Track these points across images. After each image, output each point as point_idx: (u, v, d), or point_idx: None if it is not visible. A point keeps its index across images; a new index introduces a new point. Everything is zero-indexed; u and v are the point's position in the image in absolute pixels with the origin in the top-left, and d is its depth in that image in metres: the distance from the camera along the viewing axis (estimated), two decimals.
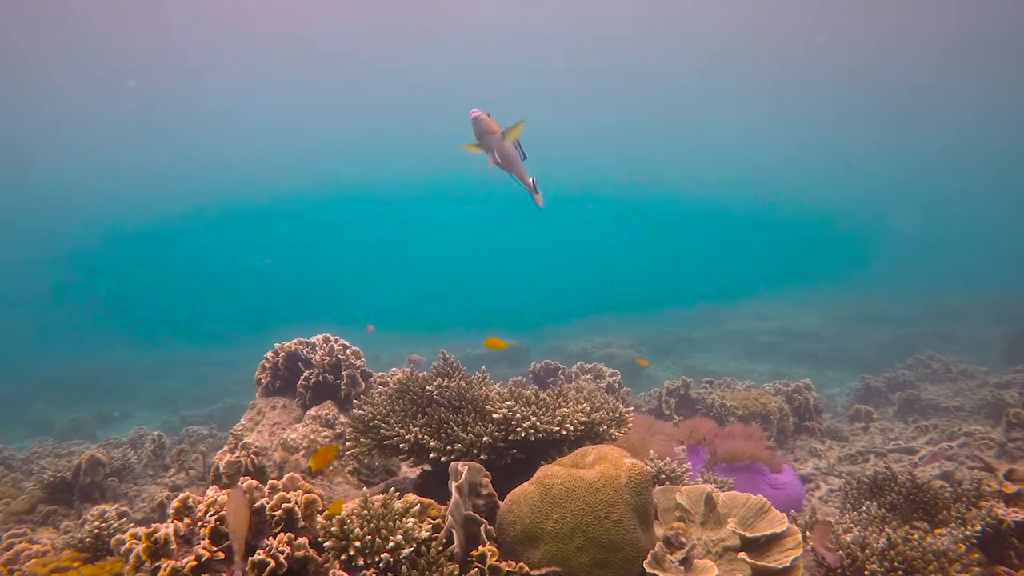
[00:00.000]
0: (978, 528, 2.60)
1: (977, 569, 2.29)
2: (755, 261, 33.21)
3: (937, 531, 2.67)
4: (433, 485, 2.77)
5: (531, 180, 3.13)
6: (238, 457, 2.98)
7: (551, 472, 2.17)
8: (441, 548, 1.85)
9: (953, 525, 2.71)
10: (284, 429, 3.17)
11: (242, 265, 33.36)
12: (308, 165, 36.33)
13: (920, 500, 2.89)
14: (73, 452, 5.61)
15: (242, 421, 3.31)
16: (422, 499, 2.14)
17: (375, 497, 1.98)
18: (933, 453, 5.00)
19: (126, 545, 1.88)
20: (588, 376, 5.23)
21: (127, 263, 34.13)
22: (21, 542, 3.08)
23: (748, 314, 19.21)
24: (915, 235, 36.45)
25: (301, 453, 3.03)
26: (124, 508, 3.51)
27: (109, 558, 2.43)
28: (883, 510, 2.87)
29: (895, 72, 24.80)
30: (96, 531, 2.48)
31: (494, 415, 2.55)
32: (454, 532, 1.96)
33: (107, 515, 2.55)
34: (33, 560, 2.40)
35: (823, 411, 5.99)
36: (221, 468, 2.97)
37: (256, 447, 3.06)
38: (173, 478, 4.13)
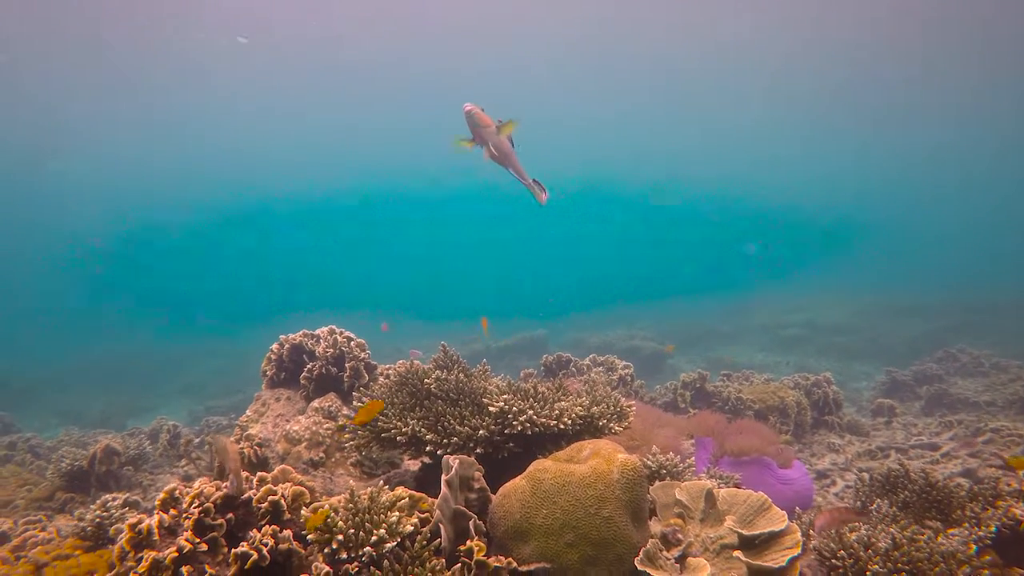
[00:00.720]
0: (993, 528, 2.51)
1: (987, 572, 2.20)
2: (780, 255, 32.72)
3: (950, 531, 2.59)
4: (433, 478, 2.75)
5: (530, 179, 3.04)
6: (242, 448, 3.01)
7: (542, 467, 2.14)
8: (425, 543, 1.83)
9: (967, 525, 2.61)
10: (287, 421, 3.19)
11: (269, 257, 33.89)
12: (339, 162, 36.74)
13: (933, 498, 2.79)
14: (97, 441, 5.73)
15: (247, 412, 3.34)
16: (413, 492, 2.13)
17: (364, 491, 1.97)
18: (965, 442, 4.85)
19: (121, 533, 1.89)
20: (600, 369, 5.18)
21: (158, 256, 34.89)
22: (34, 529, 3.15)
23: (774, 307, 18.91)
24: (948, 225, 35.55)
25: (303, 445, 3.04)
26: (136, 497, 3.57)
27: (110, 546, 2.47)
28: (894, 508, 2.79)
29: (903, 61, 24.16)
30: (98, 520, 2.52)
31: (491, 408, 2.53)
32: (441, 527, 1.94)
33: (109, 504, 2.59)
34: (39, 547, 2.45)
35: (843, 405, 5.85)
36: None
37: (260, 438, 3.08)
38: (185, 468, 4.20)
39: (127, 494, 3.57)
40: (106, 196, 34.77)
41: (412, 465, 3.14)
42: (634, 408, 2.84)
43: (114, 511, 2.57)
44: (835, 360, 12.72)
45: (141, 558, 1.66)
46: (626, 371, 5.18)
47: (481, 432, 2.49)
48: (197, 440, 5.21)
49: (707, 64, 26.87)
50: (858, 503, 3.06)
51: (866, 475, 3.20)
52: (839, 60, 25.24)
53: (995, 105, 27.74)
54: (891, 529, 2.28)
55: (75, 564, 2.21)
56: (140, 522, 1.72)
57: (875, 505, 2.86)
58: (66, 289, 29.12)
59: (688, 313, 18.82)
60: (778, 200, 38.95)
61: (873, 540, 2.24)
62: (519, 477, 2.18)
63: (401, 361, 3.27)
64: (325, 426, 3.11)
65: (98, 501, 2.61)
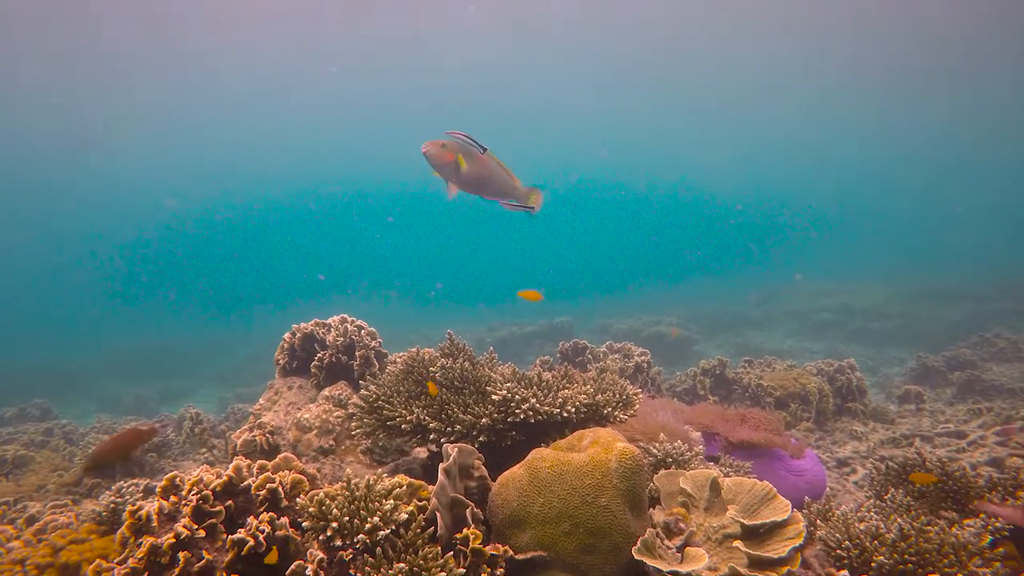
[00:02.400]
0: None
1: (998, 564, 2.14)
2: (819, 239, 32.14)
3: (966, 521, 2.52)
4: (439, 466, 2.78)
5: (520, 188, 2.79)
6: (254, 436, 3.06)
7: (540, 455, 2.14)
8: (420, 530, 1.85)
9: (984, 516, 2.54)
10: (299, 409, 3.24)
11: (303, 246, 34.40)
12: (371, 149, 37.06)
13: (950, 488, 2.72)
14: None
15: (260, 401, 3.40)
16: (412, 480, 2.14)
17: (361, 478, 1.99)
18: (1005, 428, 4.73)
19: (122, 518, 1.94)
20: (616, 356, 5.15)
21: (197, 247, 35.67)
22: (59, 513, 3.26)
23: (807, 291, 18.58)
24: (994, 206, 34.46)
25: (314, 432, 3.08)
26: (156, 484, 3.66)
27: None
28: (908, 498, 2.73)
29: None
30: (113, 505, 2.59)
31: (493, 396, 2.53)
32: (438, 514, 1.95)
33: (124, 490, 2.66)
34: (57, 531, 2.53)
35: (867, 392, 5.73)
36: (238, 446, 3.06)
37: (272, 426, 3.13)
38: (205, 456, 4.30)
39: (148, 480, 3.67)
40: (143, 190, 35.64)
41: (421, 452, 3.16)
42: (641, 396, 2.82)
43: (128, 497, 2.65)
44: (868, 346, 12.46)
45: (141, 543, 1.70)
46: (642, 358, 5.14)
47: (484, 420, 2.49)
48: (221, 427, 5.33)
49: (724, 48, 26.36)
50: (872, 492, 3.00)
51: (882, 464, 3.13)
52: (864, 33, 24.55)
53: None
54: (899, 520, 2.23)
55: (89, 548, 2.28)
56: (139, 509, 1.76)
57: (889, 495, 2.80)
58: (108, 280, 29.97)
59: (718, 299, 18.59)
60: (808, 186, 38.23)
61: (881, 531, 2.20)
62: (517, 466, 2.18)
63: (408, 349, 3.28)
64: (335, 414, 3.15)
65: (113, 487, 2.69)
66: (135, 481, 3.26)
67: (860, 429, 5.06)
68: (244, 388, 12.07)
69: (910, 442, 4.73)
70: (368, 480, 1.95)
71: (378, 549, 1.76)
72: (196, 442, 4.54)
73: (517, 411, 2.48)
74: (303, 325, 3.53)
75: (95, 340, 19.75)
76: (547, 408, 2.51)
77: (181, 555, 1.66)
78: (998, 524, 2.46)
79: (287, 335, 3.55)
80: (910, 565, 2.05)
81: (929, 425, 5.26)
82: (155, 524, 1.76)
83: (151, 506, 1.79)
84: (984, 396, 6.70)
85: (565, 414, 2.52)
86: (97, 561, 1.69)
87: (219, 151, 35.82)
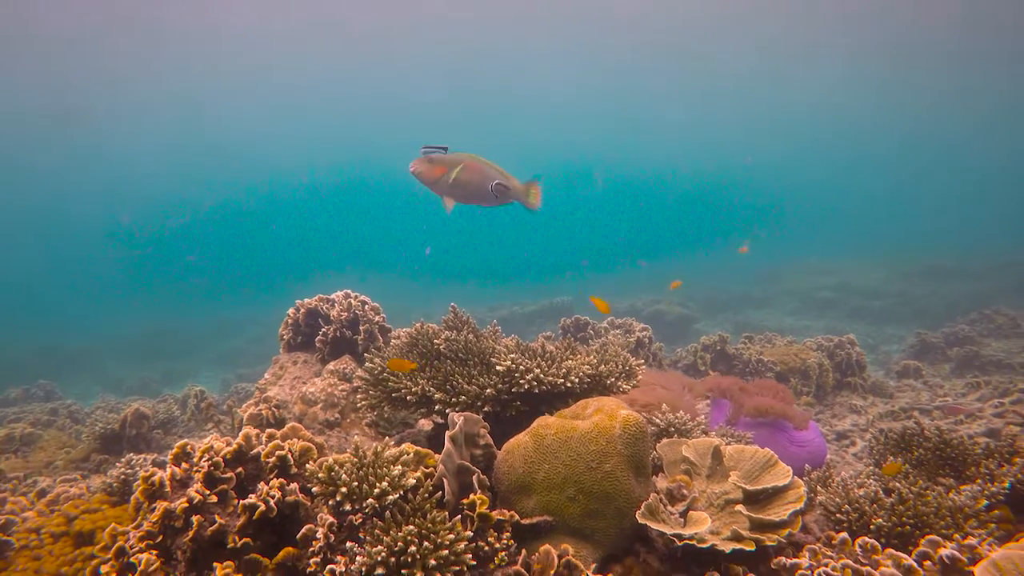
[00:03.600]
0: (1007, 484, 2.47)
1: (992, 525, 2.18)
2: (817, 218, 32.09)
3: (962, 487, 2.56)
4: (444, 436, 2.81)
5: (517, 185, 2.69)
6: (260, 410, 3.09)
7: (545, 423, 2.17)
8: (427, 495, 1.88)
9: (980, 481, 2.58)
10: (304, 383, 3.26)
11: (306, 228, 34.38)
12: (372, 129, 36.89)
13: (948, 456, 2.76)
14: (129, 407, 5.94)
15: (266, 376, 3.43)
16: (419, 449, 2.17)
17: (368, 446, 2.02)
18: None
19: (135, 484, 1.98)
20: (618, 331, 5.18)
21: (200, 229, 35.66)
22: (72, 486, 3.30)
23: (806, 270, 18.60)
24: (993, 183, 34.35)
25: (319, 406, 3.11)
26: (163, 458, 3.71)
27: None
28: (907, 466, 2.77)
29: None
30: (123, 476, 2.63)
31: (498, 367, 2.55)
32: (445, 481, 1.98)
33: (133, 462, 2.70)
34: (70, 502, 2.57)
35: (867, 367, 5.77)
36: (245, 420, 3.09)
37: (277, 400, 3.16)
38: (212, 431, 4.33)
39: (155, 455, 3.71)
40: (147, 172, 35.53)
41: (426, 425, 3.20)
42: (643, 367, 2.85)
43: (138, 468, 2.69)
44: (867, 323, 12.50)
45: (155, 508, 1.73)
46: (644, 333, 5.17)
47: (488, 391, 2.52)
48: (224, 406, 5.36)
49: (718, 23, 26.14)
50: (872, 461, 3.04)
51: (881, 435, 3.17)
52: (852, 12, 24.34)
53: None
54: (898, 484, 2.27)
55: (102, 517, 2.32)
56: (153, 475, 1.79)
57: (888, 463, 2.84)
58: (112, 262, 29.97)
59: (718, 278, 18.60)
60: (807, 165, 38.11)
61: (880, 495, 2.24)
62: (523, 433, 2.21)
63: (414, 323, 3.30)
64: (340, 388, 3.18)
65: (124, 459, 2.73)
66: (143, 456, 3.30)
67: (859, 403, 5.10)
68: (246, 369, 12.13)
69: (908, 415, 4.78)
70: (376, 447, 1.98)
71: (387, 513, 1.79)
72: (201, 418, 4.58)
73: (522, 381, 2.51)
74: (307, 301, 3.55)
75: (96, 323, 19.81)
76: (551, 378, 2.53)
77: (194, 519, 1.70)
78: (993, 489, 2.50)
79: (291, 311, 3.57)
80: (908, 527, 2.09)
81: (927, 399, 5.31)
82: (168, 490, 1.79)
83: (164, 472, 1.82)
84: (982, 371, 6.74)
85: (569, 384, 2.55)
86: (113, 525, 1.72)
87: (218, 136, 35.68)
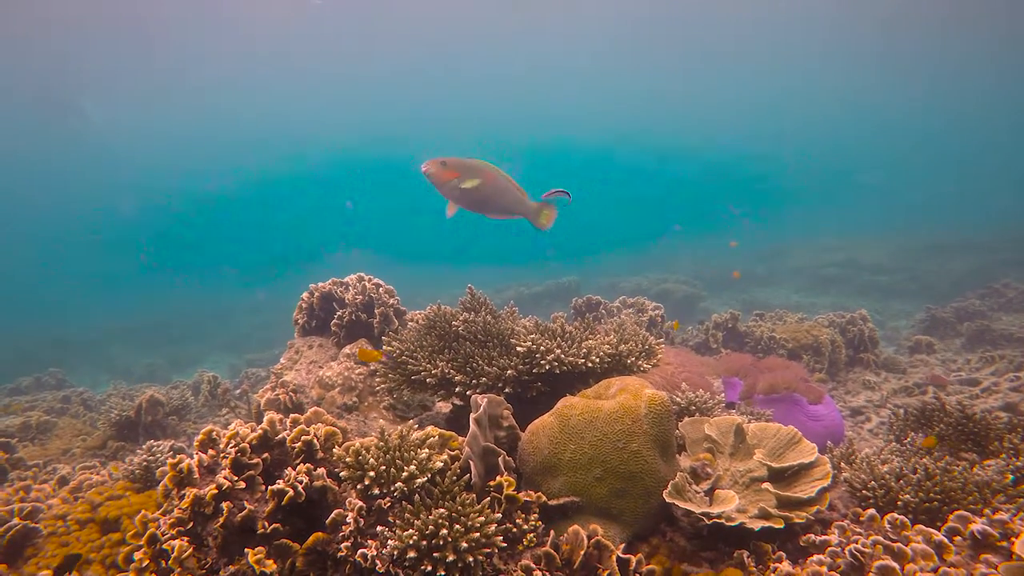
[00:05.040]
0: None
1: (1022, 500, 2.17)
2: (819, 193, 31.90)
3: (986, 462, 2.55)
4: (464, 418, 2.80)
5: (529, 204, 2.64)
6: (277, 395, 3.09)
7: (570, 403, 2.16)
8: (456, 478, 1.87)
9: (1004, 456, 2.57)
10: (320, 367, 3.26)
11: (312, 212, 34.31)
12: (374, 112, 36.67)
13: (970, 431, 2.75)
14: (142, 394, 5.95)
15: (282, 360, 3.42)
16: (443, 432, 2.17)
17: (393, 430, 2.01)
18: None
19: (162, 471, 1.98)
20: (630, 310, 5.16)
21: (205, 216, 35.60)
22: (89, 473, 3.31)
23: (812, 247, 18.53)
24: (997, 156, 34.06)
25: (337, 390, 3.11)
26: (181, 444, 3.72)
27: (158, 487, 2.59)
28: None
29: None
30: (145, 463, 2.64)
31: (518, 348, 2.54)
32: (471, 463, 1.98)
33: (155, 449, 2.70)
34: (93, 489, 2.58)
35: (879, 342, 5.75)
36: (262, 405, 3.09)
37: (294, 385, 3.15)
38: (226, 416, 4.34)
39: (172, 441, 3.72)
40: (149, 157, 35.39)
41: (444, 407, 3.20)
42: (663, 346, 2.83)
43: (160, 455, 2.69)
44: (874, 300, 12.47)
45: (184, 495, 1.73)
46: (656, 312, 5.15)
47: (509, 372, 2.51)
48: (238, 392, 5.38)
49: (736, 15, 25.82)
50: (892, 436, 3.03)
51: (901, 410, 3.16)
52: None
53: None
54: (924, 460, 2.26)
55: (127, 503, 2.32)
56: (180, 462, 1.78)
57: (909, 438, 2.84)
58: (115, 251, 29.96)
59: (723, 256, 18.54)
60: (809, 142, 37.83)
61: (905, 471, 2.22)
62: (547, 414, 2.20)
63: (430, 305, 3.28)
64: (357, 371, 3.17)
65: (145, 446, 2.73)
66: (161, 443, 3.30)
67: (873, 379, 5.09)
68: (254, 354, 12.16)
69: (923, 390, 4.77)
70: (401, 431, 1.98)
71: (416, 497, 1.79)
72: (215, 404, 4.59)
73: (542, 362, 2.49)
74: (321, 285, 3.53)
75: (98, 314, 19.84)
76: (572, 358, 2.52)
77: (224, 505, 1.69)
78: (1018, 463, 2.49)
79: (305, 295, 3.55)
80: (936, 503, 2.08)
81: (941, 373, 5.29)
82: (196, 476, 1.78)
83: (191, 459, 1.81)
84: (993, 346, 6.72)
85: (590, 364, 2.53)
86: (143, 512, 1.72)
87: (223, 122, 35.46)
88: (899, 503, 2.10)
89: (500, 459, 2.06)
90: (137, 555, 1.64)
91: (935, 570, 1.74)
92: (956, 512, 1.93)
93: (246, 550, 1.67)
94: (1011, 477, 2.32)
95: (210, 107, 33.02)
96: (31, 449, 4.37)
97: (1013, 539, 1.82)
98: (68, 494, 2.67)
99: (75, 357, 13.71)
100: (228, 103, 33.23)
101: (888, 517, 1.95)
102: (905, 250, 16.37)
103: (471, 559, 1.65)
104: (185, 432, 4.44)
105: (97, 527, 2.25)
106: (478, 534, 1.69)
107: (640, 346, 2.71)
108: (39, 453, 4.22)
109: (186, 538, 1.65)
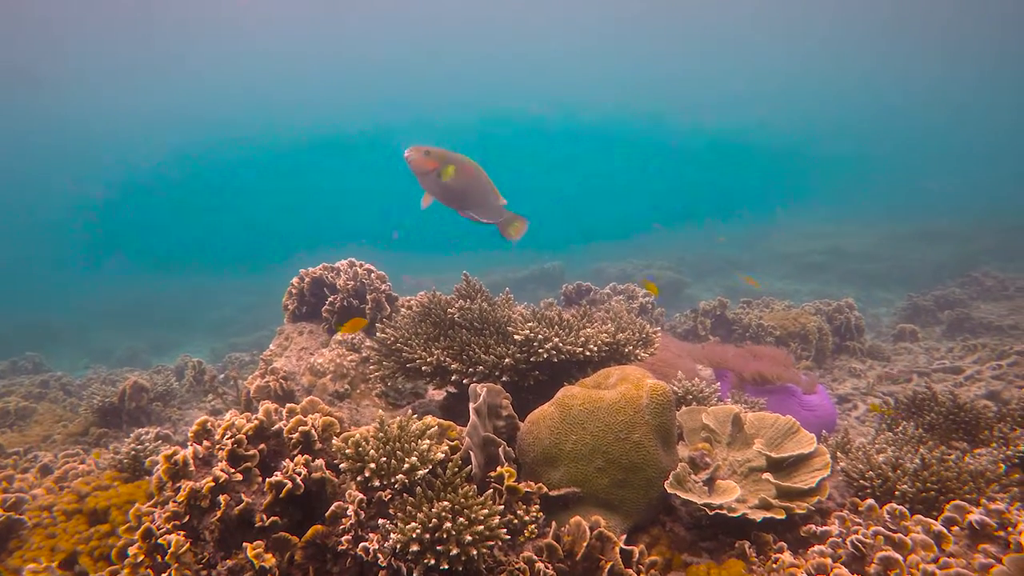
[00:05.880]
0: (1021, 448, 2.49)
1: (1015, 490, 2.20)
2: (800, 180, 32.13)
3: (977, 451, 2.58)
4: (458, 407, 2.78)
5: (503, 210, 2.56)
6: (267, 382, 3.04)
7: (571, 393, 2.14)
8: (457, 469, 1.84)
9: (995, 445, 2.60)
10: (311, 354, 3.21)
11: (294, 193, 33.87)
12: (354, 94, 36.16)
13: (961, 420, 2.78)
14: (125, 379, 5.85)
15: (271, 347, 3.36)
16: (441, 421, 2.13)
17: (392, 420, 1.98)
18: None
19: (156, 464, 1.93)
20: (620, 297, 5.15)
21: (183, 196, 34.99)
22: (74, 461, 3.24)
23: (796, 234, 18.66)
24: (981, 146, 34.49)
25: (328, 377, 3.06)
26: (167, 431, 3.65)
27: (147, 477, 2.53)
28: (920, 430, 2.78)
29: None
30: (133, 452, 2.58)
31: (516, 336, 2.51)
32: (472, 454, 1.95)
33: (143, 438, 2.64)
34: (79, 479, 2.52)
35: (865, 331, 5.81)
36: (251, 393, 3.03)
37: (284, 372, 3.10)
38: (212, 403, 4.28)
39: (158, 428, 3.65)
40: (127, 135, 34.64)
41: (437, 395, 3.16)
42: (659, 335, 2.82)
43: (148, 444, 2.63)
44: (857, 287, 12.59)
45: (179, 488, 1.68)
46: (646, 299, 5.15)
47: (507, 360, 2.48)
48: (221, 376, 5.30)
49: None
50: (883, 425, 3.05)
51: (891, 399, 3.19)
52: None
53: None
54: (920, 450, 2.27)
55: (115, 494, 2.27)
56: (175, 453, 1.74)
57: (900, 427, 2.86)
58: (92, 232, 29.39)
59: (706, 243, 18.61)
60: (793, 128, 38.01)
61: (901, 461, 2.24)
62: (548, 404, 2.18)
63: (423, 292, 3.24)
64: (349, 358, 3.12)
65: (132, 435, 2.67)
66: (147, 430, 3.24)
67: (858, 367, 5.14)
68: (237, 338, 12.01)
69: (908, 379, 4.82)
70: (400, 421, 1.94)
71: (417, 489, 1.76)
72: (200, 390, 4.52)
73: (540, 350, 2.47)
74: (311, 270, 3.47)
75: (77, 296, 19.47)
76: (570, 347, 2.50)
77: (222, 498, 1.65)
78: (1009, 452, 2.52)
79: (295, 280, 3.49)
80: (932, 492, 2.09)
81: (925, 362, 5.36)
82: (192, 468, 1.74)
83: (186, 451, 1.76)
84: (973, 334, 6.83)
85: (588, 352, 2.51)
86: (136, 505, 1.67)
87: (204, 99, 34.78)
88: (896, 493, 2.11)
89: (500, 449, 2.04)
90: (131, 550, 1.59)
91: (935, 560, 1.75)
92: (953, 502, 1.94)
93: (244, 544, 1.64)
94: (1003, 467, 2.35)
95: (201, 84, 32.36)
96: (10, 436, 4.28)
97: (1011, 529, 1.83)
98: (53, 484, 2.60)
99: (53, 340, 13.44)
100: (216, 79, 32.57)
101: (887, 507, 1.96)
102: (889, 238, 16.54)
103: (475, 552, 1.63)
104: (170, 418, 4.36)
105: (85, 518, 2.20)
106: (482, 527, 1.66)
107: (637, 335, 2.70)
108: (18, 440, 4.13)
109: (182, 532, 1.61)
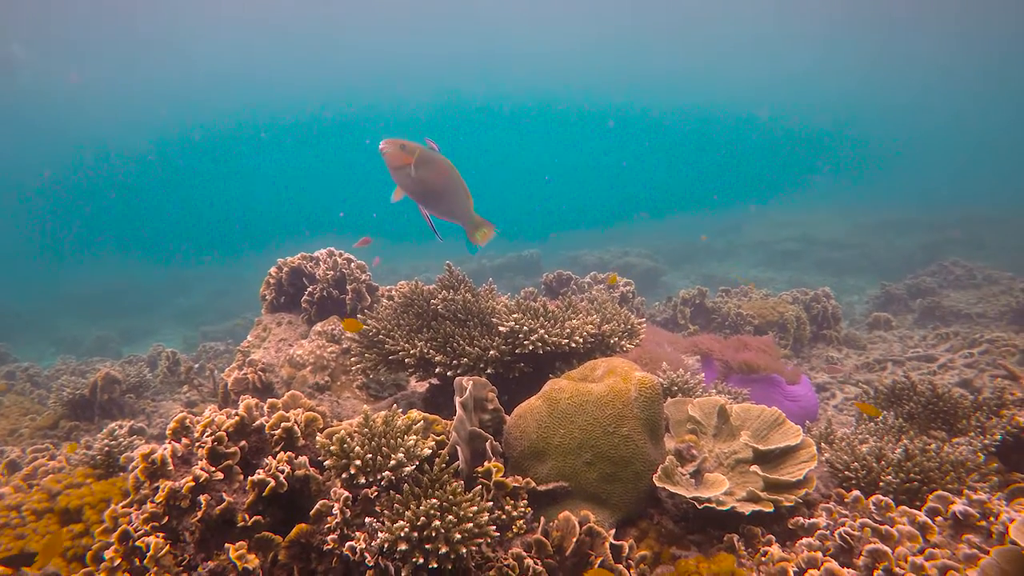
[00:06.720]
0: (998, 436, 2.53)
1: (995, 478, 2.23)
2: (770, 170, 32.46)
3: (955, 440, 2.62)
4: (441, 399, 2.74)
5: (472, 215, 2.50)
6: (246, 374, 2.97)
7: (558, 386, 2.11)
8: (444, 465, 1.81)
9: (972, 434, 2.64)
10: (290, 345, 3.14)
11: (264, 181, 33.33)
12: (328, 77, 35.59)
13: (939, 409, 2.81)
14: (96, 370, 5.70)
15: (249, 338, 3.29)
16: (426, 415, 2.09)
17: (377, 414, 1.93)
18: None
19: (133, 464, 1.86)
20: (601, 286, 5.14)
21: (152, 183, 34.19)
22: (43, 457, 3.14)
23: (767, 222, 18.86)
24: (951, 138, 35.12)
25: (308, 369, 3.00)
26: (140, 424, 3.56)
27: (121, 474, 2.46)
28: (900, 420, 2.81)
29: None
30: (107, 448, 2.50)
31: (500, 328, 2.47)
32: (458, 449, 1.92)
33: (116, 433, 2.56)
34: (50, 476, 2.43)
35: (841, 319, 5.88)
36: (229, 385, 2.96)
37: (263, 364, 3.03)
38: (187, 395, 4.18)
39: (131, 422, 3.56)
40: (93, 120, 33.64)
41: (419, 387, 3.12)
42: (644, 326, 2.80)
43: (122, 439, 2.55)
44: (829, 275, 12.78)
45: (157, 488, 1.62)
46: (627, 288, 5.15)
47: (491, 352, 2.44)
48: (197, 366, 5.19)
49: None
50: (863, 415, 3.08)
51: (870, 388, 3.22)
52: None
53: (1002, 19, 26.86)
54: (903, 440, 2.29)
55: (88, 492, 2.19)
56: (153, 452, 1.67)
57: (880, 417, 2.88)
58: (55, 218, 28.60)
59: (680, 231, 18.72)
60: (773, 115, 38.28)
61: (885, 451, 2.26)
62: (535, 397, 2.15)
63: (403, 282, 3.18)
64: (329, 349, 3.06)
65: (105, 430, 2.58)
66: (119, 423, 3.15)
67: (835, 355, 5.21)
68: (208, 326, 11.79)
69: (883, 367, 4.89)
70: (385, 416, 1.90)
71: (404, 485, 1.72)
72: (175, 381, 4.42)
73: (526, 343, 2.43)
74: (290, 259, 3.39)
75: (46, 283, 18.95)
76: (555, 339, 2.47)
77: (202, 498, 1.60)
78: (986, 441, 2.56)
79: (273, 269, 3.41)
80: (916, 483, 2.11)
81: (899, 350, 5.44)
82: (171, 467, 1.68)
83: (164, 449, 1.70)
84: (943, 322, 6.96)
85: (573, 344, 2.49)
86: (112, 507, 1.61)
87: (175, 86, 33.86)
88: (881, 484, 2.13)
89: (488, 444, 2.01)
90: (108, 553, 1.53)
91: (921, 551, 1.77)
92: (936, 492, 1.96)
93: (226, 545, 1.59)
94: (982, 456, 2.38)
95: (172, 71, 31.50)
96: None
97: (993, 518, 1.86)
98: (21, 481, 2.51)
99: (18, 329, 13.07)
100: (187, 66, 31.77)
101: (872, 499, 1.97)
102: (859, 227, 16.80)
103: (464, 550, 1.60)
104: (143, 411, 4.25)
105: (56, 518, 2.12)
106: (471, 524, 1.63)
107: (623, 326, 2.68)
108: None
109: (161, 534, 1.56)
